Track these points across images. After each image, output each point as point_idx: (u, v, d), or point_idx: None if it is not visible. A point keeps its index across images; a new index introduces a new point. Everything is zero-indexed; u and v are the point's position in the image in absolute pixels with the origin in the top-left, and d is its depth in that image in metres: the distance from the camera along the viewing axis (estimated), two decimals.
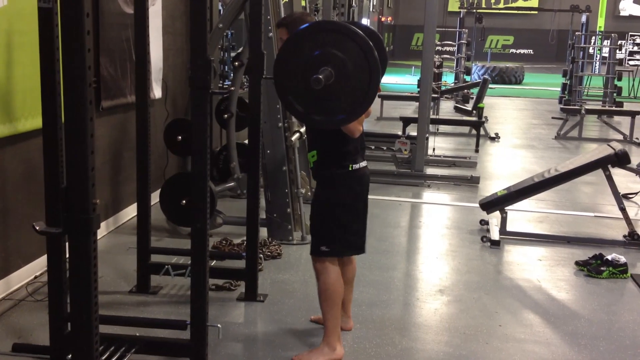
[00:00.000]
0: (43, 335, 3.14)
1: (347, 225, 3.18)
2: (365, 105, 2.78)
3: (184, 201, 4.78)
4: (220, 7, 7.09)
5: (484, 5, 32.18)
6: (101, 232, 4.91)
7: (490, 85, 13.24)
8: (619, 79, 14.20)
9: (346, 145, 3.10)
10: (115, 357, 2.92)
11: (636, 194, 6.71)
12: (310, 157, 3.20)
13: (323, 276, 3.17)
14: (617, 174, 5.58)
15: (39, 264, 4.01)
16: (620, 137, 10.63)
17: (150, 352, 3.10)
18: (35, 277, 4.02)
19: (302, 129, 5.02)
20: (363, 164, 3.18)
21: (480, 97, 11.25)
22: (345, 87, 2.73)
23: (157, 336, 3.24)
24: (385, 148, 7.92)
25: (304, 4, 6.20)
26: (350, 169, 3.13)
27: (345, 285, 3.39)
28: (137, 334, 3.19)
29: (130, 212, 5.25)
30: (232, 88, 5.56)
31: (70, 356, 2.65)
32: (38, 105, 2.67)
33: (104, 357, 2.89)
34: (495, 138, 10.49)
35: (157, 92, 5.67)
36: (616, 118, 12.70)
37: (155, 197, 5.14)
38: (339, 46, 2.71)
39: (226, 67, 7.47)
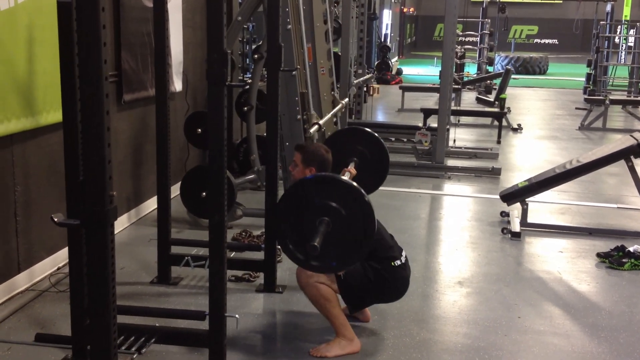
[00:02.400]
0: (65, 325, 3.19)
1: (365, 294, 3.32)
2: (359, 257, 3.00)
3: (204, 193, 4.82)
4: (239, 0, 7.09)
5: None
6: (123, 224, 4.97)
7: (513, 76, 13.13)
8: None
9: (377, 250, 3.23)
10: (134, 347, 2.97)
11: None
12: None
13: (308, 289, 3.22)
14: None
15: (62, 256, 4.07)
16: None
17: (169, 342, 3.15)
18: (58, 269, 4.08)
19: (321, 122, 5.03)
20: (404, 259, 3.34)
21: (502, 88, 11.14)
22: (341, 237, 2.91)
23: (176, 326, 3.28)
24: (405, 140, 7.89)
25: None
26: (393, 265, 3.28)
27: None
28: (157, 324, 3.23)
29: (152, 204, 5.31)
30: (250, 81, 5.58)
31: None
32: (59, 98, 2.71)
33: (123, 347, 2.94)
34: (517, 129, 10.39)
35: (177, 85, 5.71)
36: None
37: (176, 190, 5.19)
38: (338, 199, 2.90)
39: (247, 59, 7.48)
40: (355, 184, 2.97)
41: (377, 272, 3.25)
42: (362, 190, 2.92)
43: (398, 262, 3.30)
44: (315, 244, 2.75)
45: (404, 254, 3.39)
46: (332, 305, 3.20)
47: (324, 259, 2.92)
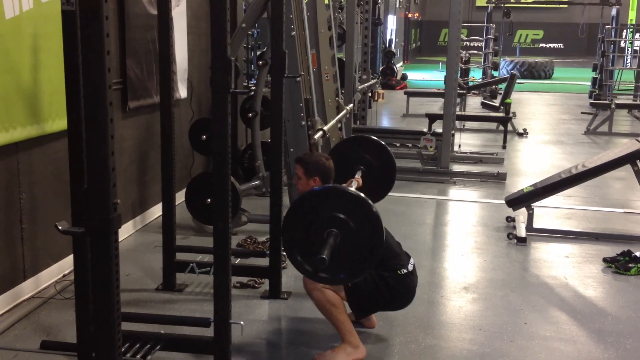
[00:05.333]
0: (71, 332, 3.20)
1: (373, 302, 3.32)
2: (368, 268, 2.96)
3: (209, 200, 4.83)
4: (244, 7, 7.11)
5: (512, 0, 31.82)
6: (128, 231, 4.98)
7: (518, 81, 13.12)
8: None
9: (384, 258, 3.20)
10: (139, 355, 2.97)
11: None
12: None
13: (314, 294, 3.21)
14: None
15: (68, 263, 4.08)
16: None
17: (174, 350, 3.15)
18: (64, 276, 4.09)
19: (325, 127, 5.03)
20: (410, 267, 3.34)
21: (507, 93, 11.13)
22: (349, 249, 2.88)
23: (181, 333, 3.28)
24: (410, 145, 7.89)
25: (327, 2, 6.20)
26: (400, 273, 3.28)
27: None
28: (162, 332, 3.23)
29: (157, 210, 5.31)
30: (253, 87, 5.59)
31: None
32: (64, 106, 2.71)
33: (128, 355, 2.94)
34: (523, 134, 10.38)
35: (182, 92, 5.73)
36: None
37: (181, 196, 5.20)
38: (346, 211, 2.87)
39: (252, 66, 7.50)
40: (363, 195, 2.94)
41: (384, 280, 3.25)
42: (370, 202, 2.90)
43: (404, 271, 3.29)
44: (324, 256, 2.73)
45: (412, 261, 3.38)
46: (339, 311, 3.19)
47: (333, 271, 2.90)
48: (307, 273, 2.99)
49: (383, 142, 4.36)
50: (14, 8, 3.45)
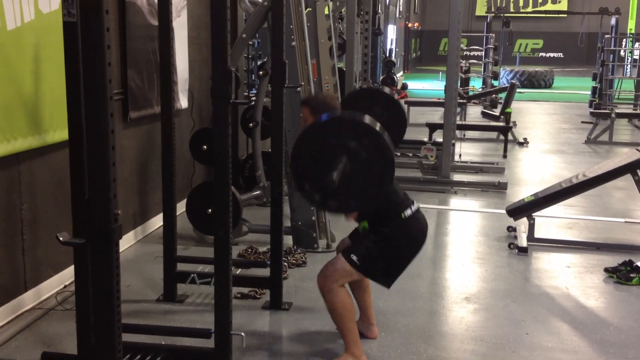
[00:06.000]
0: (72, 344, 3.18)
1: (391, 264, 3.22)
2: (379, 196, 2.88)
3: (210, 210, 4.83)
4: (244, 17, 7.14)
5: (512, 9, 31.91)
6: (129, 241, 4.98)
7: (519, 90, 13.14)
8: None
9: (389, 200, 3.13)
10: None
11: None
12: (361, 227, 3.25)
13: (329, 296, 3.16)
14: None
15: (69, 273, 4.07)
16: None
17: None
18: (65, 287, 4.08)
19: None
20: (415, 207, 3.24)
21: (507, 102, 11.14)
22: (360, 177, 2.82)
23: (182, 344, 3.27)
24: (411, 154, 7.90)
25: (327, 12, 6.22)
26: (403, 217, 3.17)
27: (362, 291, 3.41)
28: (163, 343, 3.22)
29: (158, 220, 5.31)
30: (254, 97, 5.60)
31: None
32: (65, 117, 2.72)
33: None
34: (523, 143, 10.38)
35: (183, 102, 5.74)
36: None
37: (182, 206, 5.19)
38: (356, 138, 2.81)
39: (253, 75, 7.52)
40: (372, 120, 2.85)
41: (389, 239, 3.16)
42: (380, 130, 2.81)
43: (409, 212, 3.19)
44: (333, 177, 2.68)
45: (416, 204, 3.28)
46: (348, 319, 3.16)
47: (343, 198, 2.82)
48: (315, 203, 2.91)
49: (391, 94, 4.27)
50: (15, 19, 3.47)
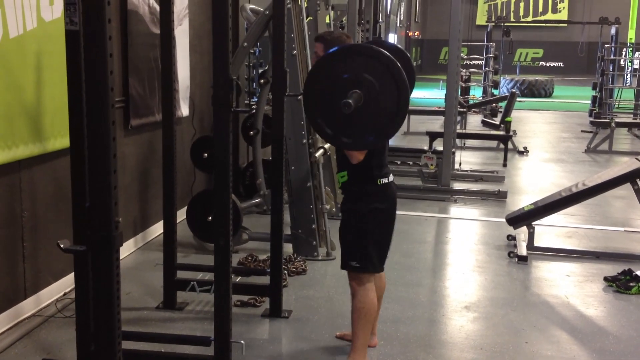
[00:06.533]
0: (71, 351, 3.18)
1: (375, 238, 3.18)
2: (395, 127, 2.82)
3: (210, 217, 4.83)
4: (246, 26, 7.17)
5: (512, 19, 31.99)
6: (129, 249, 4.98)
7: (519, 99, 13.16)
8: None
9: (372, 161, 3.12)
10: None
11: None
12: (339, 178, 3.23)
13: (360, 295, 3.15)
14: None
15: (69, 281, 4.07)
16: None
17: None
18: (65, 294, 4.08)
19: (327, 145, 5.05)
20: (391, 178, 3.21)
21: (507, 111, 11.16)
22: (375, 109, 2.76)
23: (182, 352, 3.27)
24: (411, 163, 7.90)
25: (328, 21, 6.25)
26: (379, 183, 3.14)
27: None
28: (162, 350, 3.22)
29: (159, 228, 5.31)
30: (254, 105, 5.61)
31: None
32: (67, 124, 2.73)
33: None
34: (523, 152, 10.39)
35: (184, 110, 5.75)
36: None
37: (182, 214, 5.20)
38: (369, 69, 2.75)
39: (254, 84, 7.55)
40: (389, 55, 2.78)
41: (361, 215, 3.14)
42: (393, 59, 2.75)
43: (385, 180, 3.16)
44: (350, 101, 2.62)
45: (392, 176, 3.25)
46: (367, 325, 3.16)
47: (358, 132, 2.77)
48: (327, 136, 2.86)
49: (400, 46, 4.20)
50: (17, 27, 3.48)
